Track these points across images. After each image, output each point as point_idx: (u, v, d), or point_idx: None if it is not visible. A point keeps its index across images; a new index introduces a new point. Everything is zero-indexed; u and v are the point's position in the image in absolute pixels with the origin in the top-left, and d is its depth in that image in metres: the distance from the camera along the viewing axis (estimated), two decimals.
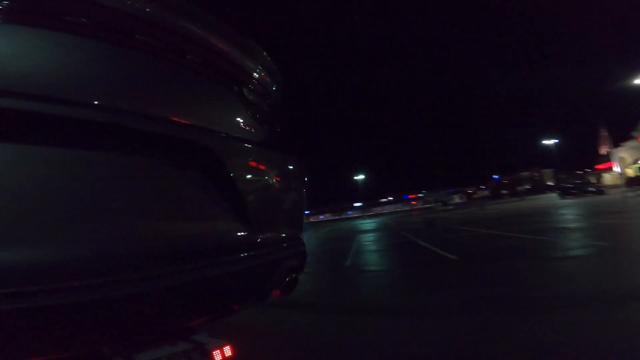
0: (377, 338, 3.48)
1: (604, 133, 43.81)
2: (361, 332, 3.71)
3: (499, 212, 24.13)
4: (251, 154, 1.47)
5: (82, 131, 0.89)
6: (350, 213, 71.22)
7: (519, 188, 72.71)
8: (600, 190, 31.10)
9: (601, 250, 6.24)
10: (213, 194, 1.23)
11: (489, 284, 4.99)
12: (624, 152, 45.28)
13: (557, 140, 55.72)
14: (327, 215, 75.17)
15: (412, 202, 63.43)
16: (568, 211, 16.76)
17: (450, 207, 45.72)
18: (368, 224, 30.91)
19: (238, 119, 1.45)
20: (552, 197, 36.82)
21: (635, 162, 43.86)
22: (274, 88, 1.79)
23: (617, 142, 44.55)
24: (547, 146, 56.62)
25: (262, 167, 1.52)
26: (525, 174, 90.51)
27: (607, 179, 50.23)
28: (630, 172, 42.56)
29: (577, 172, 70.32)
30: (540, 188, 75.28)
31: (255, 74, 1.59)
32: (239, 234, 1.31)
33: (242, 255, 1.31)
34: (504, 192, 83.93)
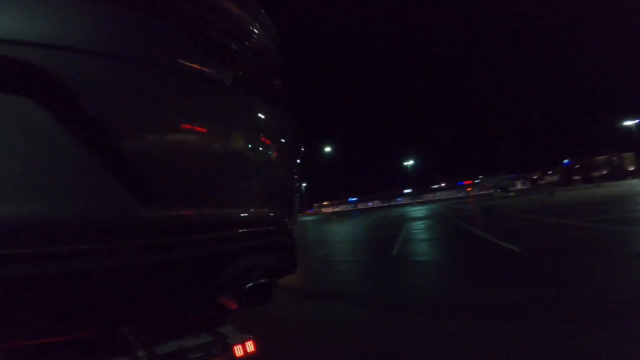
0: (424, 339, 3.13)
1: None
2: (406, 331, 3.37)
3: (570, 199, 21.55)
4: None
5: None
6: (399, 200, 69.27)
7: (595, 174, 64.54)
8: None
9: None
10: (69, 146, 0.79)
11: (558, 283, 4.30)
12: None
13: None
14: (376, 202, 73.89)
15: (468, 189, 59.60)
16: None
17: (512, 194, 42.05)
18: (418, 211, 29.64)
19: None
20: (635, 184, 31.94)
21: None
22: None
23: None
24: (628, 127, 48.79)
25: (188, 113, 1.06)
26: (601, 158, 79.99)
27: None
28: None
29: None
30: (619, 174, 66.32)
31: None
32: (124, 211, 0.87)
33: (117, 244, 0.87)
34: (576, 177, 75.11)
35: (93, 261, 0.82)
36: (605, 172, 69.57)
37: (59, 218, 0.77)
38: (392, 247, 9.00)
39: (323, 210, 77.97)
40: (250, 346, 1.54)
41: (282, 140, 1.49)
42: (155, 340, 1.26)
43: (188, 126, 1.04)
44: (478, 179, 56.46)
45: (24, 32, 0.76)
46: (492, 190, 46.57)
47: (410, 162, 69.29)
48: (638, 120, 47.37)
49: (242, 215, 1.26)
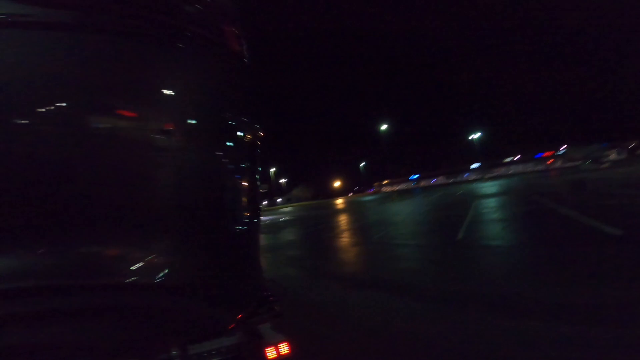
0: (496, 343, 2.63)
1: None
2: (473, 332, 2.88)
3: None
4: None
5: None
6: (466, 175, 64.42)
7: None
8: None
9: None
10: None
11: None
12: None
13: None
14: (439, 178, 69.84)
15: (548, 161, 52.77)
16: None
17: (605, 165, 36.10)
18: (488, 187, 27.07)
19: None
20: None
21: None
22: None
23: None
24: None
25: None
26: None
27: None
28: None
29: None
30: None
31: None
32: None
33: None
34: None
35: None
36: None
37: None
38: (458, 230, 8.14)
39: (383, 189, 76.41)
40: (284, 348, 1.53)
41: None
42: (189, 340, 1.28)
43: None
44: (562, 149, 49.50)
45: None
46: (579, 162, 40.52)
47: (477, 135, 63.75)
48: None
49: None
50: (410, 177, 76.86)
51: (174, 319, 1.19)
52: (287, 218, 27.37)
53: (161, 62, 0.90)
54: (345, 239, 9.99)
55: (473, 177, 60.99)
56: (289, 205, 68.80)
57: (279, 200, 76.42)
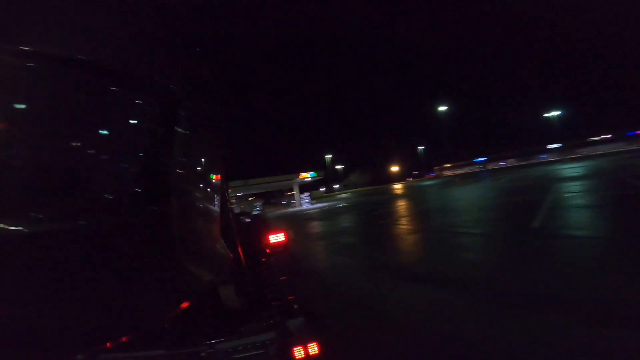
0: None
1: None
2: (551, 343, 2.39)
3: None
4: None
5: None
6: (543, 157, 57.34)
7: None
8: None
9: None
10: None
11: None
12: None
13: None
14: (510, 161, 63.27)
15: None
16: None
17: None
18: (570, 169, 23.58)
19: None
20: None
21: None
22: None
23: None
24: None
25: None
26: None
27: None
28: None
29: None
30: None
31: None
32: None
33: None
34: None
35: None
36: None
37: None
38: (534, 217, 7.10)
39: (445, 173, 72.06)
40: (313, 349, 1.48)
41: None
42: (217, 334, 1.40)
43: None
44: None
45: None
46: None
47: (556, 112, 56.16)
48: None
49: None
50: (476, 160, 71.04)
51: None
52: (344, 204, 27.32)
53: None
54: (402, 226, 9.51)
55: (552, 158, 54.13)
56: (346, 191, 68.83)
57: (336, 186, 76.88)
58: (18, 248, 0.74)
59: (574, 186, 12.41)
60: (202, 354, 1.43)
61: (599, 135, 53.65)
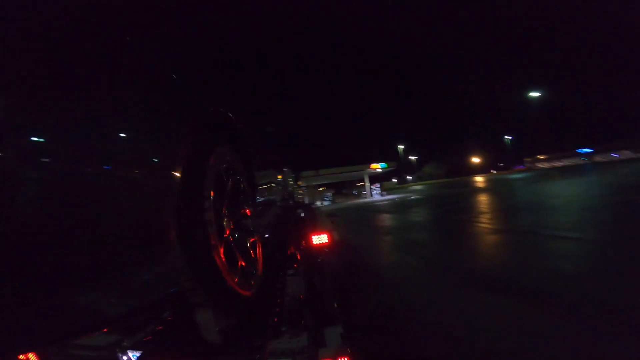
0: None
1: None
2: None
3: None
4: None
5: None
6: None
7: None
8: None
9: None
10: None
11: None
12: None
13: None
14: (624, 152, 52.22)
15: None
16: None
17: None
18: None
19: None
20: None
21: None
22: None
23: None
24: None
25: None
26: None
27: None
28: None
29: None
30: None
31: None
32: None
33: None
34: None
35: None
36: None
37: None
38: None
39: (539, 165, 63.33)
40: None
41: None
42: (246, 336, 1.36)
43: None
44: None
45: None
46: None
47: None
48: None
49: None
50: (579, 151, 60.63)
51: None
52: (416, 197, 26.03)
53: None
54: (480, 224, 8.49)
55: None
56: (420, 183, 65.70)
57: (409, 178, 73.85)
58: None
59: None
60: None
61: None
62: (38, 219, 0.67)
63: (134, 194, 0.86)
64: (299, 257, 2.59)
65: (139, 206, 0.87)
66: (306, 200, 15.90)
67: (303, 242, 2.73)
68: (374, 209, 19.97)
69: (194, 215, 1.02)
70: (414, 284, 4.41)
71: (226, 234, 1.29)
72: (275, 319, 1.61)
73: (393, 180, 65.39)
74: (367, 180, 37.21)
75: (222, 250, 1.14)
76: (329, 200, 35.81)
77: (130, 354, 1.38)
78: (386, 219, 13.45)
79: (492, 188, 24.58)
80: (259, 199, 2.17)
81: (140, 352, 1.37)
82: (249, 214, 1.67)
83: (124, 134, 0.86)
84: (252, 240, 1.62)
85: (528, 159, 67.84)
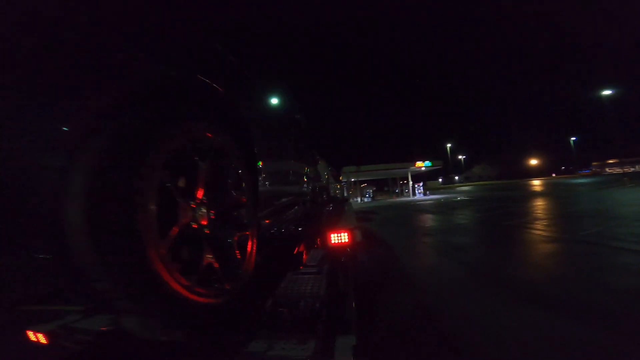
0: None
1: None
2: None
3: None
4: None
5: None
6: None
7: None
8: None
9: None
10: None
11: None
12: None
13: None
14: None
15: None
16: None
17: None
18: None
19: None
20: None
21: None
22: None
23: None
24: None
25: None
26: None
27: None
28: None
29: None
30: None
31: None
32: None
33: None
34: None
35: None
36: None
37: None
38: None
39: (608, 170, 56.58)
40: None
41: None
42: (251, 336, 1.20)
43: None
44: None
45: None
46: None
47: None
48: None
49: None
50: None
51: None
52: (462, 198, 24.57)
53: None
54: (535, 231, 7.66)
55: None
56: (468, 184, 62.16)
57: (456, 178, 70.16)
58: None
59: None
60: None
61: None
62: None
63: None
64: (305, 256, 2.40)
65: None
66: (345, 196, 15.64)
67: (318, 240, 2.52)
68: (415, 208, 19.17)
69: (106, 201, 0.79)
70: (450, 293, 3.97)
71: (193, 226, 1.07)
72: (266, 322, 1.45)
73: (438, 179, 62.63)
74: (410, 178, 35.96)
75: (166, 246, 0.90)
76: (369, 197, 35.20)
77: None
78: (427, 220, 12.78)
79: (551, 192, 22.39)
80: (272, 189, 1.97)
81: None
82: (244, 202, 1.45)
83: None
84: (244, 234, 1.41)
85: (596, 163, 60.91)
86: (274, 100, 2.45)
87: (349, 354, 1.24)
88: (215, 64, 1.42)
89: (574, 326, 2.84)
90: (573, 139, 65.26)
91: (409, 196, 35.15)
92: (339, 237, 2.43)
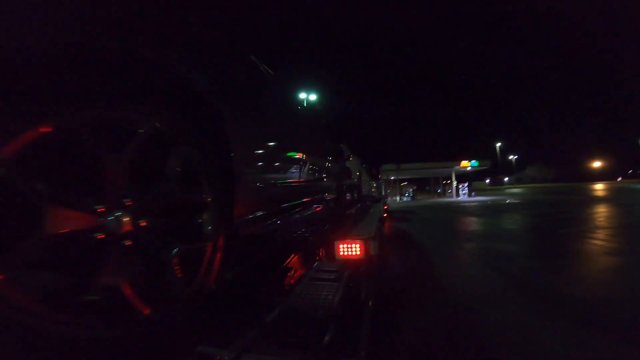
0: None
1: None
2: None
3: None
4: None
5: None
6: None
7: None
8: None
9: None
10: None
11: None
12: None
13: None
14: None
15: None
16: None
17: None
18: None
19: None
20: None
21: None
22: None
23: None
24: None
25: None
26: None
27: None
28: None
29: None
30: None
31: None
32: None
33: None
34: None
35: None
36: None
37: None
38: None
39: None
40: None
41: None
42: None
43: None
44: None
45: None
46: None
47: None
48: None
49: None
50: None
51: None
52: (512, 201, 22.85)
53: None
54: (595, 241, 6.79)
55: None
56: (519, 186, 57.89)
57: (506, 179, 65.65)
58: None
59: None
60: None
61: None
62: None
63: None
64: (302, 270, 2.15)
65: None
66: (380, 195, 15.19)
67: (321, 250, 2.25)
68: (458, 210, 18.14)
69: None
70: (489, 309, 3.52)
71: (98, 236, 0.86)
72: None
73: (485, 180, 59.12)
74: (454, 178, 34.28)
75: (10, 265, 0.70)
76: (409, 196, 34.09)
77: None
78: (470, 223, 11.99)
79: (616, 198, 20.04)
80: (264, 186, 1.62)
81: None
82: (203, 204, 1.15)
83: None
84: (198, 246, 1.14)
85: None
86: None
87: None
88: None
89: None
90: None
91: (451, 197, 33.58)
92: (350, 249, 2.08)
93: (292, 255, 2.09)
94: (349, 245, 2.06)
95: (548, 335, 2.87)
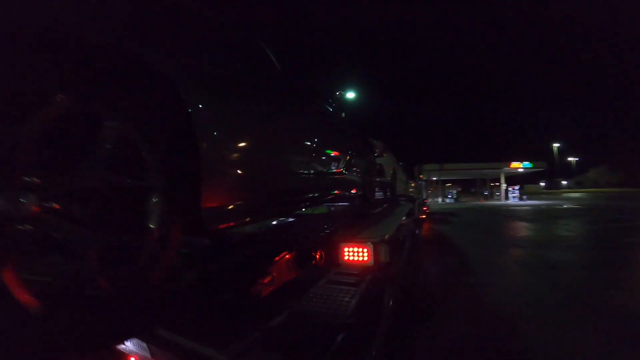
0: None
1: None
2: None
3: None
4: None
5: None
6: None
7: None
8: None
9: None
10: None
11: None
12: None
13: None
14: None
15: None
16: None
17: None
18: None
19: None
20: None
21: None
22: None
23: None
24: None
25: None
26: None
27: None
28: None
29: None
30: None
31: None
32: None
33: None
34: None
35: None
36: None
37: None
38: None
39: None
40: None
41: None
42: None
43: None
44: None
45: None
46: None
47: None
48: None
49: None
50: None
51: None
52: (570, 206, 20.92)
53: None
54: None
55: None
56: (579, 190, 52.82)
57: (564, 182, 60.18)
58: None
59: None
60: None
61: None
62: None
63: None
64: (295, 273, 1.83)
65: None
66: (419, 196, 14.65)
67: (319, 254, 1.84)
68: (506, 213, 16.99)
69: None
70: (532, 324, 3.14)
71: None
72: None
73: (540, 183, 54.73)
74: (503, 180, 32.14)
75: None
76: (452, 198, 32.60)
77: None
78: (519, 228, 11.18)
79: None
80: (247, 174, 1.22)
81: None
82: (144, 187, 0.93)
83: None
84: (133, 237, 0.93)
85: None
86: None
87: None
88: None
89: None
90: None
91: (500, 200, 31.51)
92: (356, 254, 1.78)
93: (283, 255, 1.78)
94: (355, 250, 1.77)
95: (599, 356, 2.58)
